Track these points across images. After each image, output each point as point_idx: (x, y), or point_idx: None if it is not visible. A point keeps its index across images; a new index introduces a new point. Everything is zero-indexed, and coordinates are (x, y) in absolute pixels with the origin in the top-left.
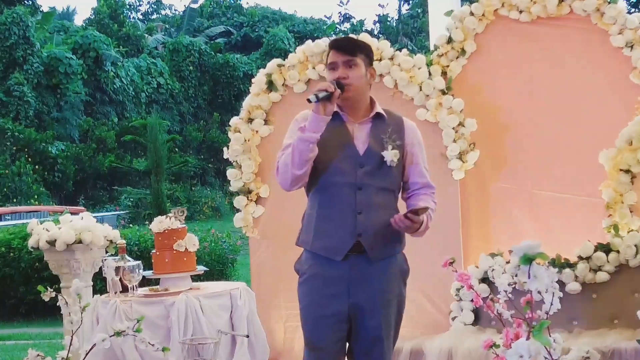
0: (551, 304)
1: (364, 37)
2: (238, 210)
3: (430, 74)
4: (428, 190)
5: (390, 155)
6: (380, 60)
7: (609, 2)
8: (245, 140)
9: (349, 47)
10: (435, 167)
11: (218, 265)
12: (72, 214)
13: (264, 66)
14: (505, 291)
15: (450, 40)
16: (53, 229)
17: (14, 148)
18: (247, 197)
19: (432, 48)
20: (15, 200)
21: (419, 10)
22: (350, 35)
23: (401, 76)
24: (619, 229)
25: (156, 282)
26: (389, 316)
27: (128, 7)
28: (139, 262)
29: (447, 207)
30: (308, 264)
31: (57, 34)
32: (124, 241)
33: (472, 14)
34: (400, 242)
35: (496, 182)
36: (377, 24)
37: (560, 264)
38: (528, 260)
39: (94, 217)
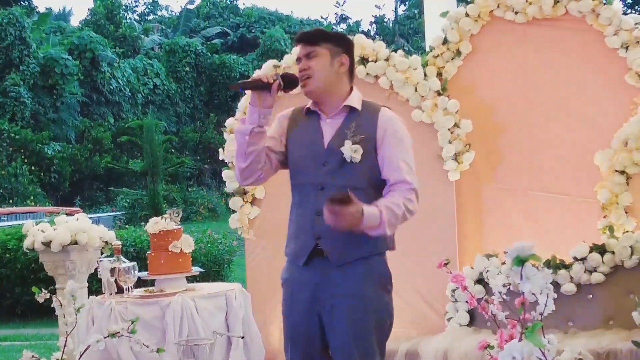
0: (545, 305)
1: (359, 37)
2: (234, 212)
3: (425, 75)
4: (402, 187)
5: (349, 151)
6: (376, 61)
7: (605, 3)
8: None
9: (309, 38)
10: (431, 168)
11: (214, 266)
12: (68, 214)
13: (260, 67)
14: (500, 292)
15: (445, 41)
16: (48, 230)
17: (10, 149)
18: (243, 199)
19: (427, 49)
20: (11, 201)
21: (416, 11)
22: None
23: (397, 77)
24: (614, 230)
25: (151, 283)
26: (359, 323)
27: (124, 8)
28: (135, 263)
29: (442, 208)
30: (285, 268)
31: (54, 35)
32: (120, 242)
33: (467, 15)
34: (369, 245)
35: (491, 183)
36: (374, 25)
37: (555, 265)
38: (521, 261)
39: (90, 218)
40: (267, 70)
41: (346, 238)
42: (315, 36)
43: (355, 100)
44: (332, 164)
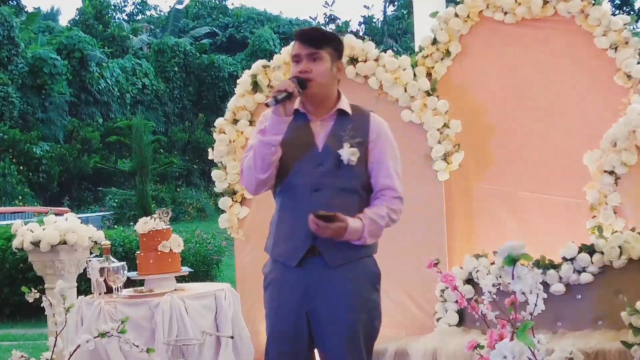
0: (535, 305)
1: (349, 38)
2: (223, 212)
3: (415, 75)
4: (389, 194)
5: (347, 153)
6: (365, 61)
7: (594, 4)
8: (230, 142)
9: (314, 40)
10: (420, 168)
11: (203, 266)
12: (56, 214)
13: (249, 67)
14: (490, 292)
15: (435, 42)
16: (37, 229)
17: None
18: (232, 198)
19: (417, 49)
20: None
21: (404, 12)
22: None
23: (386, 77)
24: (603, 230)
25: (141, 283)
26: (354, 322)
27: (113, 7)
28: (124, 263)
29: (431, 208)
30: (269, 269)
31: (42, 35)
32: (109, 242)
33: (457, 15)
34: (365, 247)
35: (481, 183)
36: (363, 25)
37: (544, 265)
38: (512, 261)
39: (79, 218)
40: (257, 67)
41: (343, 241)
42: (320, 40)
43: (345, 104)
44: (328, 166)
